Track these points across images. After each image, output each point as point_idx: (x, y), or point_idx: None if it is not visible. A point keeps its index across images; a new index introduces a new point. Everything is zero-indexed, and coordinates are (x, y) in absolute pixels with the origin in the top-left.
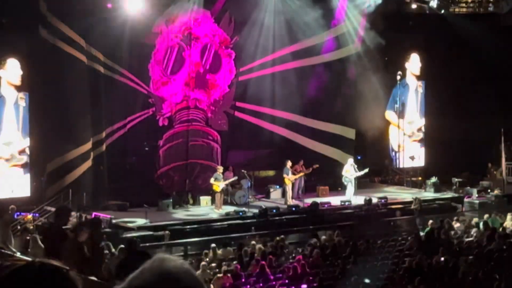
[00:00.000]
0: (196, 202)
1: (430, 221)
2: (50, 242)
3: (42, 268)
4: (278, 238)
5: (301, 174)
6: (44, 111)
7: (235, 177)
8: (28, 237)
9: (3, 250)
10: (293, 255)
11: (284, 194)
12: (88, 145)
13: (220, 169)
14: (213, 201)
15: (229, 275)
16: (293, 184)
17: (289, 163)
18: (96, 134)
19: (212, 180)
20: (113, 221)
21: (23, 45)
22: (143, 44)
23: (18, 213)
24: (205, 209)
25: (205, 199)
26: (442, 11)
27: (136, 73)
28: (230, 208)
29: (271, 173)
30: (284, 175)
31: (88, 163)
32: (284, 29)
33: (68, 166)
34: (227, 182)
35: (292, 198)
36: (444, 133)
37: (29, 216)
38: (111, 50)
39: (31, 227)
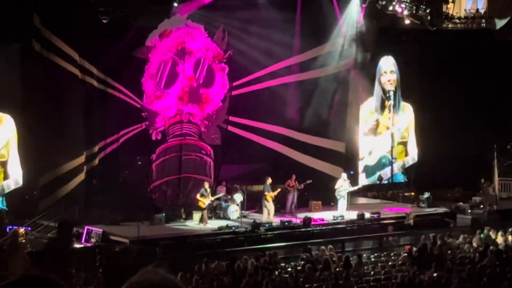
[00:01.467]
0: (189, 217)
1: (423, 237)
2: (51, 257)
3: (36, 281)
4: (270, 252)
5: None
6: (37, 124)
7: (222, 193)
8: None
9: None
10: (286, 269)
11: (264, 211)
12: (81, 159)
13: (207, 184)
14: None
15: None
16: (286, 199)
17: (269, 180)
18: (89, 148)
19: (198, 196)
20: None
21: (16, 59)
22: (137, 58)
23: (11, 226)
24: (198, 223)
25: (198, 214)
26: (434, 28)
27: (130, 87)
28: (223, 223)
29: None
30: (266, 193)
31: (81, 177)
32: (278, 44)
33: (61, 179)
34: (213, 198)
35: (286, 213)
36: (437, 148)
37: (21, 229)
38: (105, 64)
39: (23, 241)
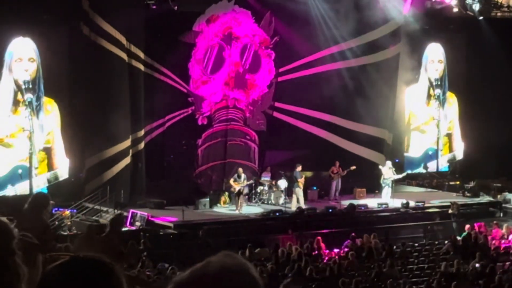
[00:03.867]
0: (232, 202)
1: (467, 226)
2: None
3: (88, 262)
4: (314, 239)
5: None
6: (84, 107)
7: (251, 181)
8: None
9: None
10: (329, 256)
11: (294, 198)
12: (127, 143)
13: (240, 170)
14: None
15: None
16: (330, 186)
17: (299, 167)
18: (135, 132)
19: (231, 181)
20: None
21: (64, 42)
22: (184, 42)
23: (56, 209)
24: (243, 208)
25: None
26: (481, 17)
27: (176, 71)
28: (267, 208)
29: (308, 174)
30: (298, 179)
31: (126, 160)
32: (324, 31)
33: (107, 163)
34: (244, 184)
35: (330, 199)
36: (483, 138)
37: (67, 212)
38: (152, 48)
39: (69, 223)
